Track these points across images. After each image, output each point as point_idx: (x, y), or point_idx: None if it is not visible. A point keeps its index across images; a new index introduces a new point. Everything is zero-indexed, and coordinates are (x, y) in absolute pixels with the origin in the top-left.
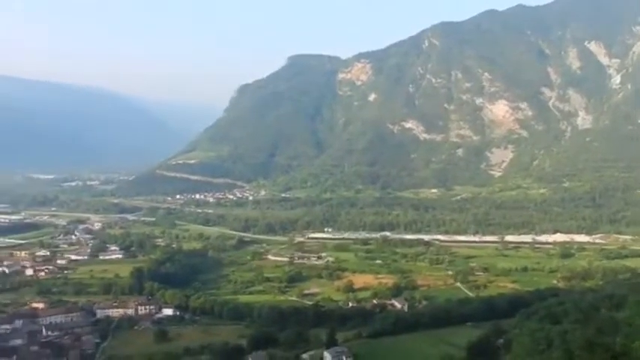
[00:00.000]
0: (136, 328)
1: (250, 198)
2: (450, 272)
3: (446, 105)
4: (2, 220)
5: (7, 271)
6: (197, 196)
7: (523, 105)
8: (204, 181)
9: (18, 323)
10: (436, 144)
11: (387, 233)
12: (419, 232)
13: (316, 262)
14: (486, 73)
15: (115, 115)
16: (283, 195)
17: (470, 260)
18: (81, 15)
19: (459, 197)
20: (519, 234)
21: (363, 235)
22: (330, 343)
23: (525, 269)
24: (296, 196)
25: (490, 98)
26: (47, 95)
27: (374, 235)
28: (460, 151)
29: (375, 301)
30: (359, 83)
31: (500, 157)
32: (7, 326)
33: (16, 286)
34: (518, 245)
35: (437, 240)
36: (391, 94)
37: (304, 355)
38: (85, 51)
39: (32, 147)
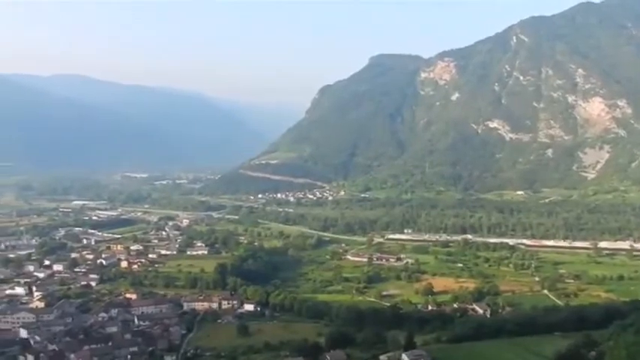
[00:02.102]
0: (219, 321)
1: (330, 198)
2: (537, 279)
3: (534, 103)
4: (101, 216)
5: (104, 263)
6: (278, 195)
7: (621, 102)
8: (285, 180)
9: (113, 312)
10: (523, 144)
11: (469, 236)
12: (503, 235)
13: (395, 264)
14: (580, 69)
15: (202, 116)
16: (363, 195)
17: (559, 267)
18: (167, 22)
19: (547, 200)
20: (615, 240)
21: (443, 237)
22: (409, 346)
23: (622, 278)
24: (375, 196)
25: (584, 95)
26: (140, 99)
27: (455, 237)
28: (549, 152)
29: (455, 305)
30: (442, 82)
31: (595, 158)
32: (104, 314)
33: (113, 277)
34: (613, 252)
35: (522, 244)
36: (475, 93)
37: (382, 357)
38: (171, 55)
39: (128, 148)
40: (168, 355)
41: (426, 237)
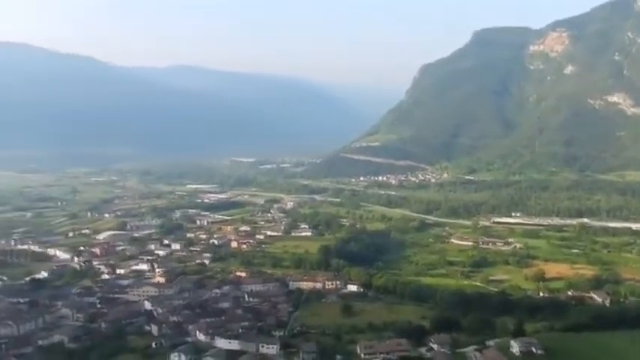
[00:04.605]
0: (323, 300)
1: (433, 180)
2: None
3: None
4: (212, 199)
5: (216, 243)
6: (380, 178)
7: None
8: (386, 163)
9: (225, 289)
10: None
11: (586, 220)
12: (625, 219)
13: (503, 248)
14: None
15: (302, 100)
16: (467, 177)
17: None
18: (267, 10)
19: None
20: None
21: (556, 221)
22: (518, 333)
23: None
24: (481, 178)
25: None
26: (246, 86)
27: (569, 221)
28: None
29: (570, 293)
30: (553, 55)
31: None
32: (217, 291)
33: (224, 257)
34: None
35: None
36: (592, 65)
37: (489, 342)
38: (271, 41)
39: (236, 133)
40: (277, 331)
41: (537, 221)
